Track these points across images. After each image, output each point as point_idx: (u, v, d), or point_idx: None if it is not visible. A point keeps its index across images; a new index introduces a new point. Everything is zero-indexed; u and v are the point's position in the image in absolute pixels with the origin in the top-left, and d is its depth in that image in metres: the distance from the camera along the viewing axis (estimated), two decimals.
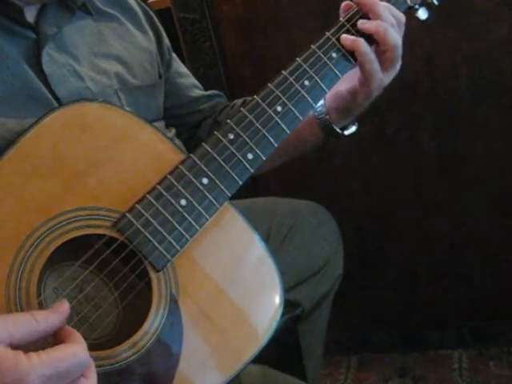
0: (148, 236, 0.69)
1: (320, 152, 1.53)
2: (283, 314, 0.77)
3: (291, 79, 0.82)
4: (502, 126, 1.50)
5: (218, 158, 0.75)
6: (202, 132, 1.06)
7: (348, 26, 0.87)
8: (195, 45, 1.60)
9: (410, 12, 0.95)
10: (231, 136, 0.76)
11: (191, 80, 1.09)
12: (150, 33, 0.98)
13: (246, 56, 1.61)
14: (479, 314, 1.67)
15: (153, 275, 0.69)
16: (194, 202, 0.72)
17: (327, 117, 0.94)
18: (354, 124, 0.97)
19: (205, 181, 0.74)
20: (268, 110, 0.79)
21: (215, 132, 0.76)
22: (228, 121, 0.77)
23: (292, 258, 1.08)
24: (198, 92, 1.08)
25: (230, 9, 1.57)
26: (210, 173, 0.74)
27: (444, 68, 1.49)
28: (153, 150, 0.74)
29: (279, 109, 0.80)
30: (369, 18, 0.86)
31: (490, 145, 1.52)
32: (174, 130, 0.98)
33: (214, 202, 0.74)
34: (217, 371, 0.71)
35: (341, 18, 0.88)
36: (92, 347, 0.62)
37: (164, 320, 0.68)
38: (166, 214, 0.71)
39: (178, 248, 0.71)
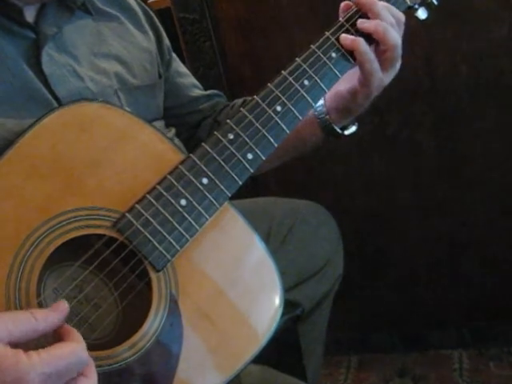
0: (148, 236, 0.69)
1: (320, 152, 1.53)
2: (283, 314, 0.76)
3: (291, 79, 0.82)
4: (502, 126, 1.49)
5: (217, 157, 0.75)
6: (201, 132, 1.06)
7: (347, 25, 0.86)
8: (195, 45, 1.60)
9: (409, 12, 0.95)
10: (231, 136, 0.76)
11: (191, 80, 1.09)
12: (150, 32, 0.98)
13: (245, 56, 1.61)
14: (479, 313, 1.67)
15: (153, 275, 0.69)
16: (194, 202, 0.72)
17: (327, 117, 0.94)
18: (354, 124, 0.97)
19: (205, 181, 0.73)
20: (268, 109, 0.79)
21: (215, 132, 0.76)
22: (228, 121, 0.77)
23: (292, 258, 1.07)
24: (198, 92, 1.08)
25: (230, 9, 1.57)
26: (209, 173, 0.74)
27: (444, 68, 1.49)
28: (152, 150, 0.74)
29: (279, 109, 0.80)
30: (368, 18, 0.86)
31: (489, 145, 1.52)
32: (173, 130, 0.98)
33: (214, 201, 0.74)
34: (217, 371, 0.71)
35: (340, 18, 0.88)
36: (92, 347, 0.62)
37: (164, 320, 0.68)
38: (166, 214, 0.71)
39: (178, 248, 0.71)
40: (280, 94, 0.80)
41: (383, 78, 0.88)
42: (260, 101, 0.79)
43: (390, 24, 0.85)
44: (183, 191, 0.72)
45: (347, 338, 1.79)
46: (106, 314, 0.70)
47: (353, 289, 1.59)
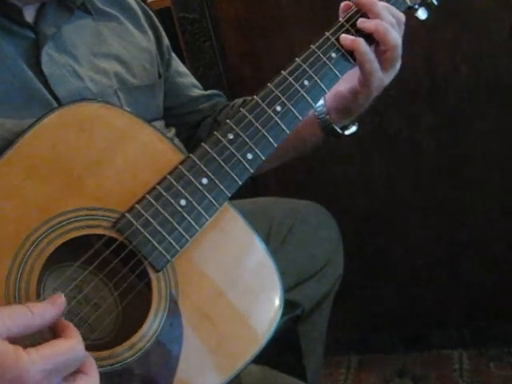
0: (147, 236, 0.69)
1: (320, 152, 1.53)
2: (283, 314, 0.76)
3: (290, 79, 0.81)
4: (502, 126, 1.49)
5: (217, 158, 0.75)
6: (201, 132, 1.06)
7: (347, 26, 0.86)
8: (195, 44, 1.60)
9: (409, 12, 0.95)
10: (231, 136, 0.76)
11: (191, 79, 1.09)
12: (150, 32, 0.98)
13: (245, 56, 1.61)
14: (479, 314, 1.67)
15: (152, 275, 0.69)
16: (194, 202, 0.72)
17: (327, 117, 0.94)
18: (354, 124, 0.97)
19: (204, 181, 0.73)
20: (267, 109, 0.79)
21: (215, 132, 0.76)
22: (227, 121, 0.77)
23: (292, 258, 1.07)
24: (198, 91, 1.08)
25: (230, 9, 1.57)
26: (209, 173, 0.74)
27: (444, 68, 1.49)
28: (152, 150, 0.74)
29: (279, 109, 0.80)
30: (368, 18, 0.86)
31: (489, 145, 1.52)
32: (173, 130, 0.98)
33: (214, 202, 0.74)
34: (217, 371, 0.71)
35: (340, 18, 0.88)
36: (92, 348, 0.62)
37: (164, 320, 0.68)
38: (166, 214, 0.70)
39: (178, 248, 0.71)
40: (280, 94, 0.80)
41: (383, 78, 0.88)
42: (260, 101, 0.79)
43: (390, 24, 0.85)
44: (183, 191, 0.72)
45: (347, 338, 1.79)
46: (105, 314, 0.70)
47: (353, 289, 1.58)
